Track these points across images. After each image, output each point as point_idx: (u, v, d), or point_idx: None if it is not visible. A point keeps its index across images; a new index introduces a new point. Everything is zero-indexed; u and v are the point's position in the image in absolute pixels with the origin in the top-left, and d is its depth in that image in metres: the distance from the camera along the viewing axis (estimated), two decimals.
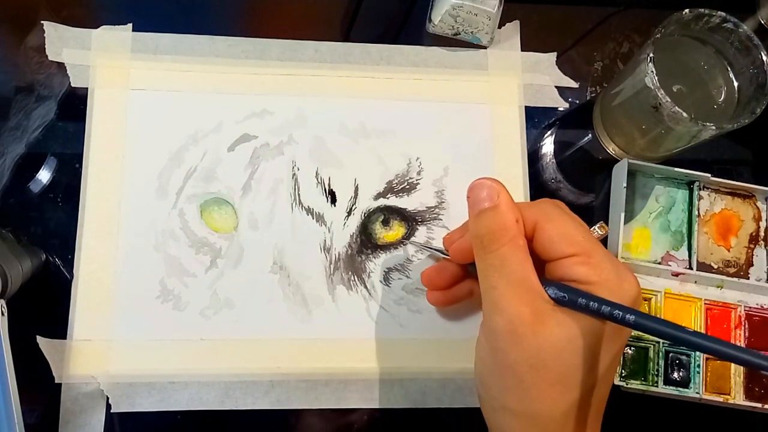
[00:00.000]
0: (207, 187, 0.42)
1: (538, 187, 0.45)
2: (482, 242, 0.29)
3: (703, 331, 0.42)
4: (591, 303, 0.27)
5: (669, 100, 0.37)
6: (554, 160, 0.46)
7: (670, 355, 0.42)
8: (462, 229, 0.37)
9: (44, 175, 0.42)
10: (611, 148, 0.46)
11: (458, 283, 0.38)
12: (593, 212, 0.45)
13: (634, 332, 0.41)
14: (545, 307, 0.27)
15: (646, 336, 0.41)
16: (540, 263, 0.30)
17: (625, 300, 0.27)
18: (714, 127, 0.37)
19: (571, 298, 0.27)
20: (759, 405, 0.41)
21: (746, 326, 0.43)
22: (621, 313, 0.26)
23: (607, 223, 0.44)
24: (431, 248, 0.42)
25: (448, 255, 0.37)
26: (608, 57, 0.48)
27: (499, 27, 0.47)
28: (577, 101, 0.47)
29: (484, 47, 0.47)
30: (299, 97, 0.44)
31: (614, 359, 0.29)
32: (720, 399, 0.41)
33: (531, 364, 0.27)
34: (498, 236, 0.28)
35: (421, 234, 0.43)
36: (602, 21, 0.49)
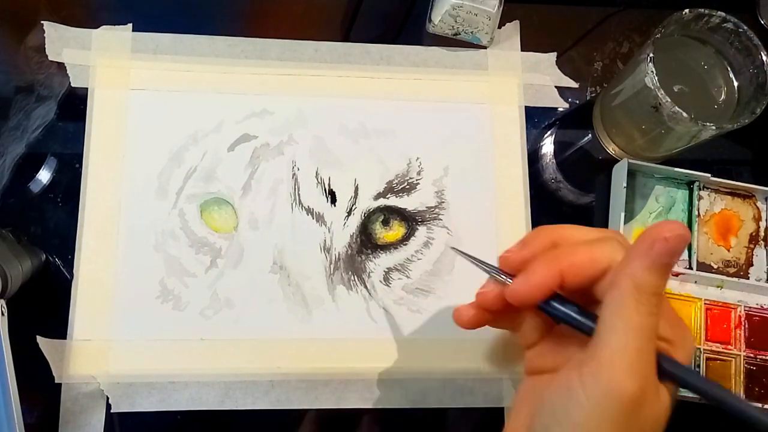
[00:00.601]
0: (207, 187, 0.42)
1: (538, 187, 0.45)
2: (649, 300, 0.25)
3: (703, 331, 0.42)
4: (700, 384, 0.25)
5: (669, 100, 0.37)
6: (554, 160, 0.46)
7: None
8: (527, 250, 0.28)
9: (44, 175, 0.42)
10: (611, 148, 0.46)
11: (509, 312, 0.30)
12: (593, 212, 0.45)
13: None
14: (658, 384, 0.25)
15: None
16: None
17: (690, 358, 0.27)
18: (714, 127, 0.37)
19: (683, 376, 0.26)
20: (759, 405, 0.41)
21: (746, 326, 0.43)
22: (727, 398, 0.25)
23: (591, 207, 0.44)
24: (485, 265, 0.30)
25: (504, 276, 0.29)
26: (608, 57, 0.48)
27: (499, 27, 0.47)
28: (577, 101, 0.47)
29: (484, 47, 0.47)
30: (299, 97, 0.44)
31: None
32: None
33: (628, 429, 0.25)
34: (660, 304, 0.25)
35: (421, 234, 0.43)
36: (602, 21, 0.49)
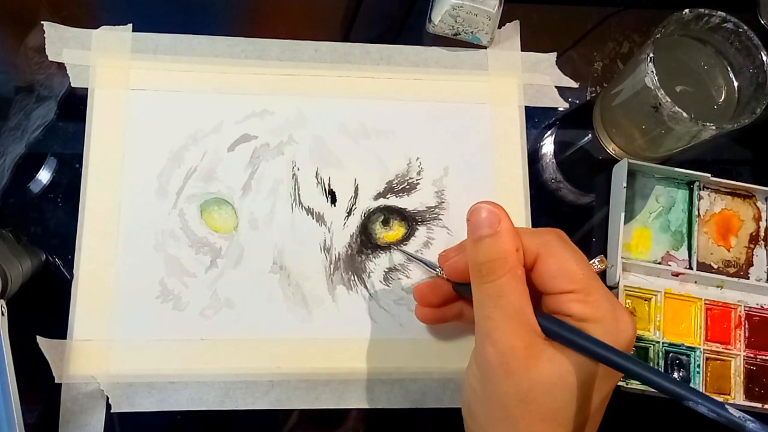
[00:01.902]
0: (207, 187, 0.42)
1: (538, 187, 0.45)
2: (480, 270, 0.28)
3: (703, 331, 0.42)
4: (583, 342, 0.27)
5: (669, 100, 0.37)
6: (554, 160, 0.46)
7: (670, 355, 0.42)
8: (458, 248, 0.35)
9: (44, 175, 0.42)
10: (611, 148, 0.46)
11: (450, 302, 0.37)
12: (593, 212, 0.45)
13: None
14: (538, 342, 0.27)
15: (647, 336, 0.42)
16: (536, 294, 0.29)
17: (620, 340, 0.27)
18: (714, 127, 0.37)
19: (565, 335, 0.27)
20: (759, 405, 0.41)
21: (746, 326, 0.43)
22: (610, 356, 0.26)
23: (591, 208, 0.44)
24: (423, 260, 0.41)
25: (438, 271, 0.37)
26: (608, 57, 0.48)
27: (499, 27, 0.47)
28: (577, 101, 0.47)
29: (484, 47, 0.47)
30: (299, 97, 0.44)
31: (605, 398, 0.28)
32: (720, 399, 0.41)
33: (521, 398, 0.26)
34: (497, 266, 0.28)
35: (421, 234, 0.43)
36: (602, 21, 0.49)
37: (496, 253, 0.28)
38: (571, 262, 0.28)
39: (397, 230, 0.43)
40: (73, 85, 0.43)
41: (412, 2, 0.48)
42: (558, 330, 0.27)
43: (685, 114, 0.37)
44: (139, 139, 0.42)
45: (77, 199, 0.41)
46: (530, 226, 0.44)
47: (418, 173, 0.44)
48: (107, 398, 0.38)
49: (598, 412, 0.28)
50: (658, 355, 0.41)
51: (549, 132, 0.47)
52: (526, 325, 0.27)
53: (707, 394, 0.25)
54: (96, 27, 0.44)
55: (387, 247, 0.43)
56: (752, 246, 0.45)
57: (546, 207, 0.45)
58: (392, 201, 0.43)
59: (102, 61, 0.43)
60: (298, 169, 0.43)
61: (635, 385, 0.41)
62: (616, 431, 0.41)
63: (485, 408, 0.28)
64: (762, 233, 0.45)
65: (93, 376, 0.39)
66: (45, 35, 0.43)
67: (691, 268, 0.43)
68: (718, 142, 0.47)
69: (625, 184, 0.42)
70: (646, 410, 0.42)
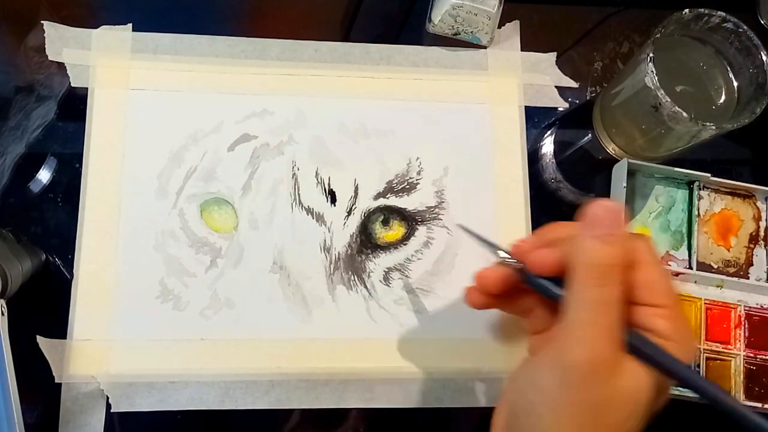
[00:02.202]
0: (207, 187, 0.42)
1: (538, 187, 0.45)
2: (594, 272, 0.26)
3: (703, 331, 0.42)
4: (670, 364, 0.26)
5: (669, 100, 0.37)
6: (554, 160, 0.46)
7: None
8: (537, 239, 0.31)
9: (44, 175, 0.42)
10: (611, 148, 0.46)
11: (511, 295, 0.32)
12: None
13: None
14: (623, 355, 0.26)
15: None
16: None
17: (688, 359, 0.27)
18: (714, 127, 0.37)
19: (653, 355, 0.26)
20: (759, 405, 0.41)
21: (746, 326, 0.43)
22: (697, 381, 0.26)
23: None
24: (492, 244, 0.33)
25: (511, 258, 0.31)
26: (608, 57, 0.48)
27: (499, 27, 0.47)
28: (577, 101, 0.47)
29: (484, 47, 0.47)
30: (299, 97, 0.44)
31: (654, 413, 0.28)
32: None
33: (597, 409, 0.26)
34: (615, 271, 0.26)
35: (421, 234, 0.43)
36: (602, 21, 0.49)
37: (617, 258, 0.26)
38: (661, 275, 0.27)
39: (397, 230, 0.43)
40: (73, 84, 0.43)
41: (412, 2, 0.48)
42: (646, 350, 0.27)
43: (685, 114, 0.37)
44: (139, 139, 0.42)
45: (77, 199, 0.41)
46: (530, 226, 0.44)
47: (418, 173, 0.44)
48: (107, 398, 0.38)
49: (641, 427, 0.28)
50: None
51: (549, 132, 0.47)
52: (617, 339, 0.26)
53: None
54: (96, 27, 0.44)
55: (387, 247, 0.43)
56: (752, 246, 0.45)
57: (546, 207, 0.45)
58: (392, 201, 0.43)
59: (102, 61, 0.43)
60: (298, 169, 0.43)
61: None
62: None
63: (548, 409, 0.27)
64: (762, 233, 0.45)
65: (93, 376, 0.39)
66: (45, 35, 0.43)
67: (691, 267, 0.43)
68: (718, 142, 0.47)
69: (625, 184, 0.42)
70: None
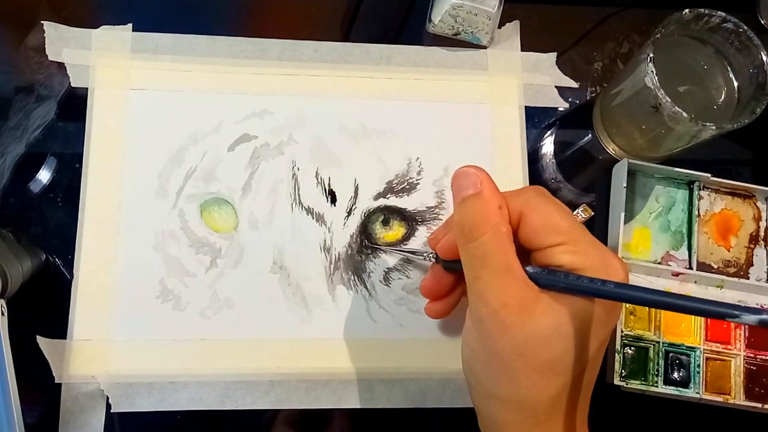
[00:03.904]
0: (207, 187, 0.42)
1: None
2: (464, 231, 0.28)
3: (703, 331, 0.42)
4: (578, 282, 0.27)
5: (669, 100, 0.37)
6: (554, 160, 0.46)
7: (670, 355, 0.42)
8: (445, 227, 0.36)
9: (44, 175, 0.42)
10: (611, 148, 0.46)
11: (455, 288, 0.37)
12: (593, 212, 0.45)
13: (634, 332, 0.41)
14: (530, 294, 0.27)
15: (647, 336, 0.42)
16: (525, 251, 0.30)
17: (616, 279, 0.28)
18: (714, 127, 0.37)
19: (558, 280, 0.27)
20: (759, 405, 0.41)
21: (746, 326, 0.43)
22: (601, 286, 0.27)
23: (591, 207, 0.44)
24: (411, 250, 0.41)
25: (427, 256, 0.37)
26: (608, 57, 0.48)
27: (499, 27, 0.47)
28: (577, 101, 0.47)
29: (484, 47, 0.47)
30: (299, 97, 0.44)
31: (602, 343, 0.29)
32: (720, 399, 0.41)
33: (519, 352, 0.27)
34: (480, 224, 0.28)
35: (421, 234, 0.43)
36: (602, 21, 0.49)
37: (479, 212, 0.28)
38: (555, 215, 0.29)
39: (397, 230, 0.43)
40: (73, 84, 0.43)
41: (412, 2, 0.48)
42: (550, 277, 0.28)
43: (685, 114, 0.37)
44: (139, 139, 0.42)
45: (77, 199, 0.41)
46: None
47: (418, 173, 0.44)
48: (107, 398, 0.38)
49: (596, 359, 0.29)
50: (658, 355, 0.41)
51: (549, 132, 0.47)
52: (516, 280, 0.27)
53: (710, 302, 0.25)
54: (96, 27, 0.44)
55: (387, 250, 0.43)
56: (752, 246, 0.45)
57: None
58: (392, 201, 0.43)
59: (102, 61, 0.43)
60: (298, 169, 0.43)
61: (635, 385, 0.41)
62: (616, 431, 0.41)
63: (485, 365, 0.29)
64: (762, 233, 0.45)
65: (93, 376, 0.39)
66: (45, 35, 0.43)
67: (691, 268, 0.43)
68: (718, 142, 0.47)
69: (625, 184, 0.42)
70: (646, 410, 0.42)
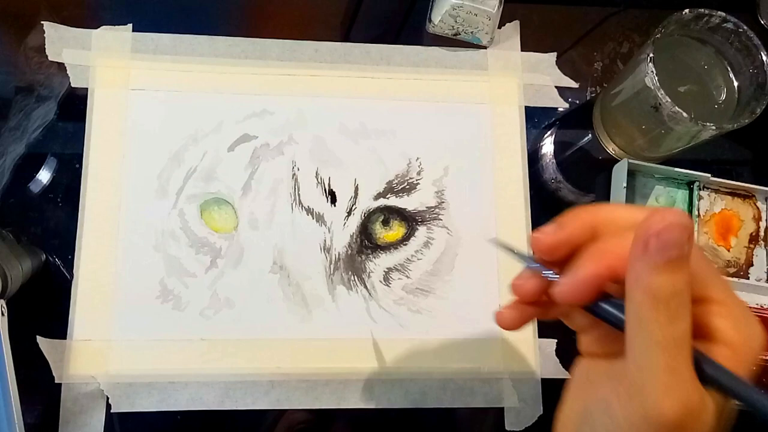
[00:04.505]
0: (207, 187, 0.42)
1: (538, 188, 0.45)
2: (663, 308, 0.21)
3: None
4: (749, 393, 0.23)
5: (669, 100, 0.37)
6: (554, 160, 0.46)
7: None
8: (559, 231, 0.25)
9: (44, 175, 0.42)
10: (611, 148, 0.46)
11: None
12: None
13: None
14: (705, 396, 0.22)
15: None
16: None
17: (752, 358, 0.24)
18: (714, 127, 0.37)
19: (729, 381, 0.23)
20: None
21: None
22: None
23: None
24: (520, 255, 0.28)
25: (550, 272, 0.25)
26: (608, 57, 0.48)
27: (499, 27, 0.47)
28: (577, 101, 0.47)
29: (484, 47, 0.47)
30: (299, 97, 0.44)
31: None
32: None
33: None
34: (686, 302, 0.21)
35: (421, 234, 0.43)
36: (602, 21, 0.49)
37: (687, 285, 0.21)
38: (710, 264, 0.24)
39: (397, 230, 0.43)
40: (73, 85, 0.43)
41: (412, 2, 0.48)
42: (724, 376, 0.23)
43: (685, 114, 0.37)
44: (139, 139, 0.42)
45: (77, 199, 0.41)
46: (530, 227, 0.44)
47: (418, 173, 0.44)
48: (107, 398, 0.38)
49: None
50: None
51: (549, 132, 0.47)
52: (695, 379, 0.22)
53: None
54: (96, 27, 0.44)
55: (387, 247, 0.43)
56: (752, 246, 0.45)
57: (546, 207, 0.45)
58: (392, 201, 0.43)
59: (102, 61, 0.43)
60: (298, 169, 0.43)
61: None
62: None
63: None
64: (762, 233, 0.45)
65: (93, 376, 0.39)
66: (45, 35, 0.43)
67: None
68: (718, 142, 0.47)
69: (625, 184, 0.42)
70: None
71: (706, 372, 0.22)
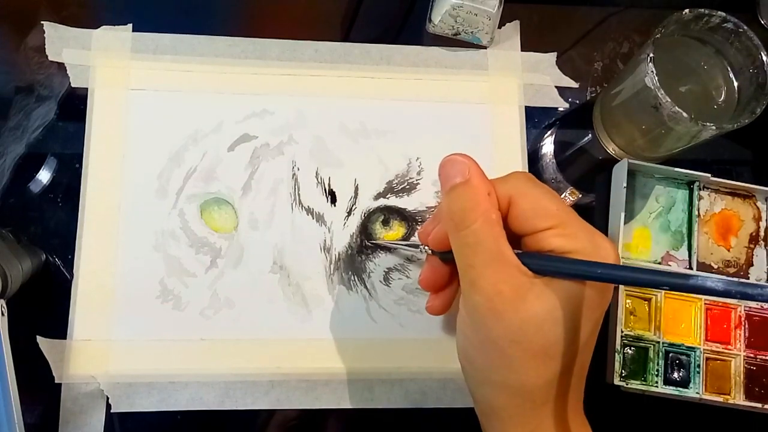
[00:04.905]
0: (207, 187, 0.42)
1: None
2: (454, 220, 0.28)
3: (703, 331, 0.42)
4: (570, 265, 0.27)
5: (669, 100, 0.37)
6: (554, 160, 0.46)
7: (670, 355, 0.42)
8: (435, 218, 0.35)
9: (44, 175, 0.42)
10: (611, 148, 0.46)
11: (453, 280, 0.36)
12: (593, 212, 0.45)
13: (634, 332, 0.41)
14: (523, 281, 0.27)
15: (646, 336, 0.41)
16: (516, 237, 0.30)
17: (608, 260, 0.28)
18: (714, 127, 0.37)
19: (551, 265, 0.28)
20: (759, 405, 0.41)
21: (746, 326, 0.43)
22: (591, 268, 0.27)
23: (591, 207, 0.44)
24: (405, 245, 0.41)
25: (423, 248, 0.36)
26: (608, 57, 0.48)
27: (499, 27, 0.47)
28: (577, 101, 0.47)
29: (484, 47, 0.47)
30: (299, 97, 0.44)
31: (595, 327, 0.29)
32: (720, 399, 0.41)
33: (513, 339, 0.27)
34: (470, 211, 0.28)
35: None
36: (602, 21, 0.49)
37: (468, 200, 0.28)
38: (543, 199, 0.29)
39: (397, 230, 0.43)
40: (73, 85, 0.43)
41: (412, 2, 0.48)
42: (541, 262, 0.28)
43: (685, 114, 0.37)
44: (139, 139, 0.42)
45: (77, 199, 0.41)
46: None
47: (418, 173, 0.44)
48: (107, 398, 0.38)
49: (589, 342, 0.29)
50: (658, 355, 0.41)
51: (549, 132, 0.47)
52: (509, 267, 0.27)
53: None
54: (96, 27, 0.44)
55: (386, 247, 0.43)
56: (752, 246, 0.45)
57: None
58: (392, 201, 0.43)
59: (102, 61, 0.43)
60: (298, 169, 0.43)
61: (635, 385, 0.41)
62: (617, 431, 0.41)
63: (480, 352, 0.29)
64: (762, 233, 0.45)
65: (93, 376, 0.39)
66: (45, 35, 0.43)
67: (691, 268, 0.43)
68: (718, 142, 0.47)
69: (625, 184, 0.42)
70: (646, 410, 0.42)
71: (525, 263, 0.28)
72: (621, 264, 0.29)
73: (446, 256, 0.34)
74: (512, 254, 0.28)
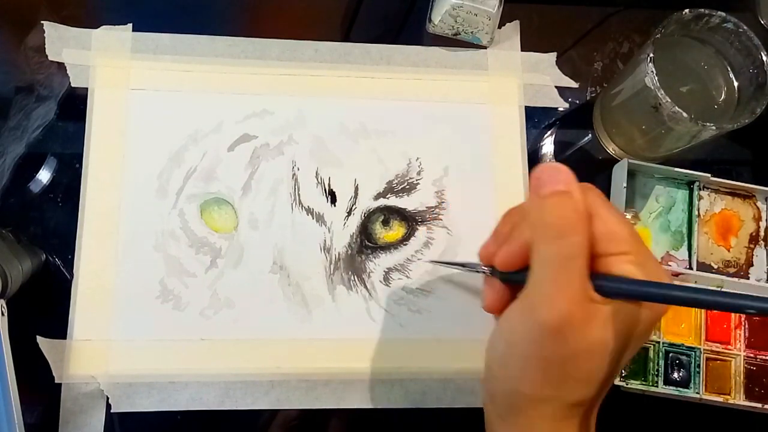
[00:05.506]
0: (207, 187, 0.42)
1: None
2: (552, 228, 0.26)
3: (703, 331, 0.42)
4: (652, 289, 0.26)
5: (669, 100, 0.37)
6: (554, 160, 0.46)
7: (670, 355, 0.42)
8: (497, 238, 0.32)
9: (44, 175, 0.42)
10: (611, 148, 0.46)
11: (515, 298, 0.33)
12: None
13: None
14: (594, 308, 0.26)
15: None
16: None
17: None
18: (714, 127, 0.37)
19: (626, 287, 0.26)
20: (759, 405, 0.41)
21: (746, 326, 0.43)
22: (672, 291, 0.26)
23: None
24: (465, 264, 0.37)
25: (483, 269, 0.33)
26: (608, 57, 0.48)
27: (499, 27, 0.47)
28: (577, 101, 0.47)
29: (484, 47, 0.47)
30: (299, 97, 0.44)
31: (633, 354, 0.29)
32: (720, 399, 0.41)
33: (564, 362, 0.26)
34: (575, 223, 0.26)
35: (421, 234, 0.43)
36: (602, 21, 0.49)
37: (573, 210, 0.26)
38: (618, 223, 0.28)
39: (397, 230, 0.43)
40: (73, 85, 0.43)
41: (412, 2, 0.48)
42: (621, 285, 0.26)
43: (685, 114, 0.37)
44: (139, 139, 0.42)
45: (77, 199, 0.41)
46: None
47: (418, 173, 0.44)
48: (107, 398, 0.38)
49: (618, 370, 0.29)
50: (658, 355, 0.41)
51: (549, 132, 0.47)
52: (584, 291, 0.26)
53: None
54: (96, 27, 0.44)
55: (387, 247, 0.43)
56: (752, 246, 0.45)
57: None
58: (392, 201, 0.43)
59: (102, 61, 0.43)
60: (298, 169, 0.43)
61: (635, 385, 0.41)
62: (617, 431, 0.41)
63: (522, 363, 0.28)
64: (762, 233, 0.45)
65: (93, 376, 0.39)
66: (45, 35, 0.43)
67: (691, 268, 0.43)
68: (718, 142, 0.47)
69: (625, 184, 0.42)
70: (646, 410, 0.42)
71: (605, 286, 0.26)
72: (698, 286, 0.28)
73: (511, 277, 0.31)
74: (589, 280, 0.26)
